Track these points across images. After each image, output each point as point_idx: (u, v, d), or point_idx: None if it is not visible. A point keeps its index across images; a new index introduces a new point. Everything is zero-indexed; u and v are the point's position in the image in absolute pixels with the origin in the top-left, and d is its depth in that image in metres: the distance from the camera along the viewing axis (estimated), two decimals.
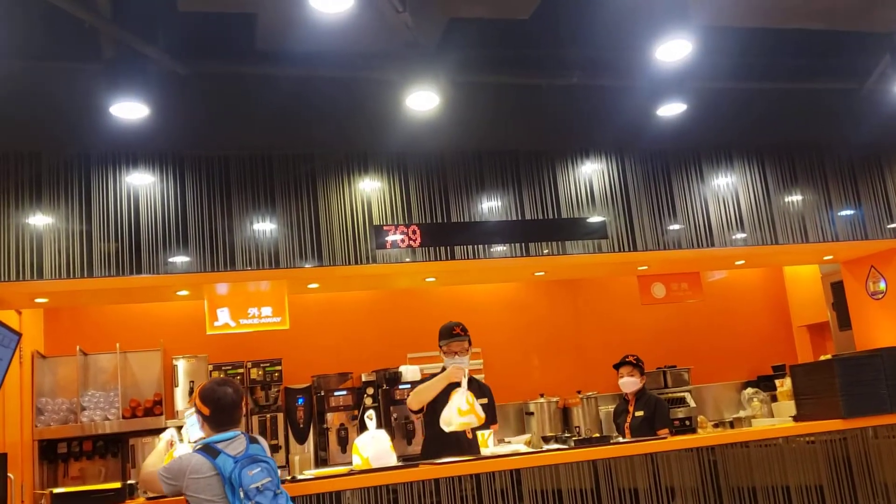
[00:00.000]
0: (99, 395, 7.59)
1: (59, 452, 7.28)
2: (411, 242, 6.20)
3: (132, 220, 5.70)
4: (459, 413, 4.88)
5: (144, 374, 7.83)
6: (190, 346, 7.86)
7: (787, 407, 6.97)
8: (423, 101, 5.16)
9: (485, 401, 5.39)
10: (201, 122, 5.65)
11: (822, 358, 6.56)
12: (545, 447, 5.72)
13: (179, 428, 4.31)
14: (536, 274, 7.49)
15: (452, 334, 5.38)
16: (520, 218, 6.40)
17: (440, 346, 5.45)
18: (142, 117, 4.97)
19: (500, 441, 6.09)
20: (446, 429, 4.95)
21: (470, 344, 5.43)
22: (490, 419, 5.35)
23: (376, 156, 6.27)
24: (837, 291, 8.49)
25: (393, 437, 5.12)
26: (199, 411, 3.87)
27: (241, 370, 7.87)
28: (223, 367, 7.81)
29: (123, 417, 7.46)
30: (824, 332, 9.60)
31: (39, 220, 5.58)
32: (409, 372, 8.21)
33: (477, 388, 5.45)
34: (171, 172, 5.85)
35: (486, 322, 8.92)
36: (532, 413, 8.69)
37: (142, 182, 5.77)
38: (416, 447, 7.70)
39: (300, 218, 6.04)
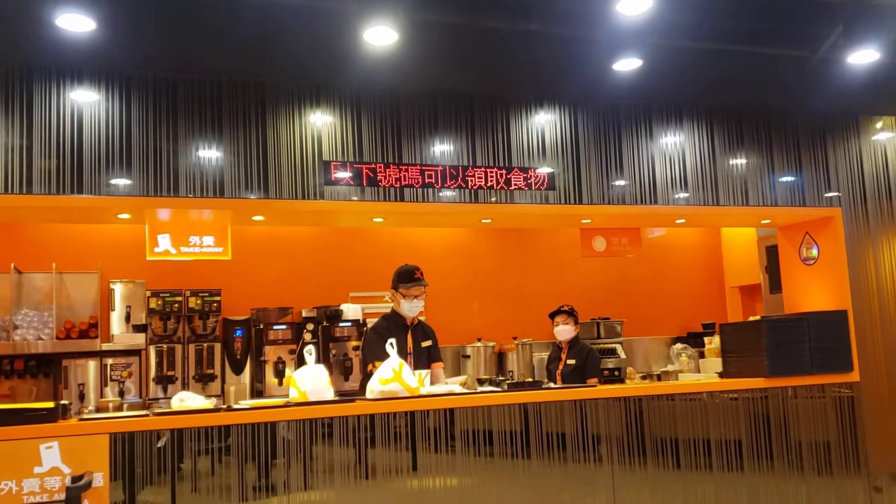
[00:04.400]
0: (32, 314, 7.46)
1: None
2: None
3: (74, 139, 5.54)
4: (381, 382, 4.74)
5: (80, 296, 7.72)
6: (128, 270, 7.76)
7: (713, 364, 7.19)
8: (380, 36, 5.09)
9: (428, 343, 5.51)
10: (151, 41, 5.46)
11: (752, 318, 6.76)
12: (479, 389, 5.82)
13: None
14: (483, 221, 7.53)
15: (414, 278, 5.41)
16: (471, 164, 6.40)
17: (397, 289, 5.42)
18: (89, 31, 4.80)
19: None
20: (369, 396, 4.80)
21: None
22: (434, 357, 5.55)
23: (329, 89, 6.17)
24: (771, 255, 8.73)
25: (331, 373, 5.13)
26: None
27: (179, 298, 7.79)
28: (161, 294, 7.73)
29: (57, 338, 7.36)
30: (755, 293, 9.89)
31: None
32: (351, 310, 8.24)
33: (421, 331, 5.54)
34: (116, 91, 5.68)
35: (430, 266, 8.84)
36: (469, 356, 8.84)
37: (86, 99, 5.60)
38: (354, 383, 7.77)
39: (247, 147, 5.94)
